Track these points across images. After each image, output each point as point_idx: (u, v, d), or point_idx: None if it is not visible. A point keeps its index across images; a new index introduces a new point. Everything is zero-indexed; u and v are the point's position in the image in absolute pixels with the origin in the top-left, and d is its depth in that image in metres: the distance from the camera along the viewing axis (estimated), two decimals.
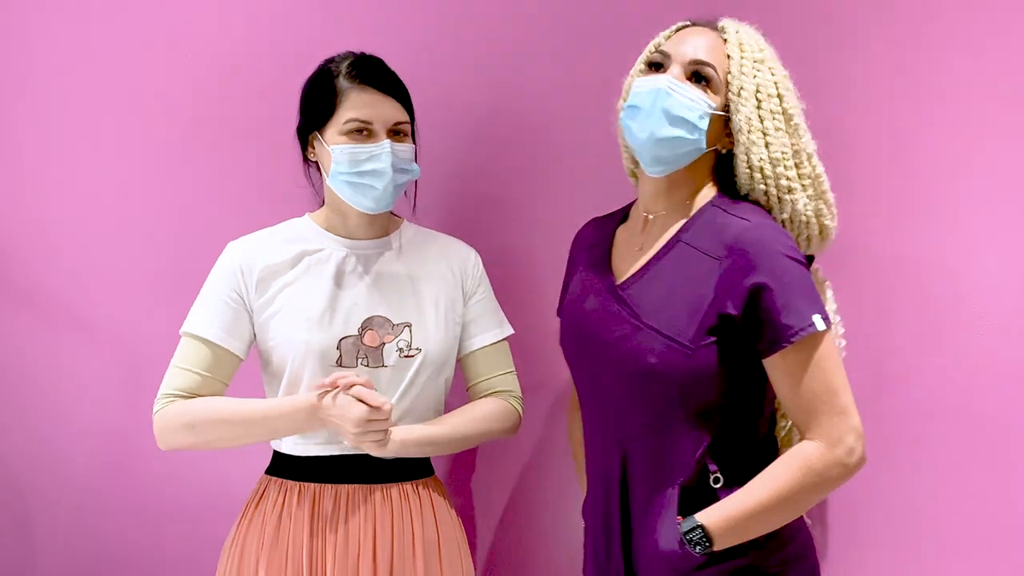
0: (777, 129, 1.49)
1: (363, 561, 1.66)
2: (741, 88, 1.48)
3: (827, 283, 1.65)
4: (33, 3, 2.16)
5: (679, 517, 1.44)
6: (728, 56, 1.50)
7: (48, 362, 2.20)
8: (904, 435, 1.81)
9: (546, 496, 2.03)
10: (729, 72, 1.50)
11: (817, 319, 1.40)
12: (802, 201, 1.51)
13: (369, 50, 1.75)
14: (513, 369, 1.84)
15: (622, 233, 1.64)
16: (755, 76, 1.49)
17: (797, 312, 1.40)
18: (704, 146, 1.50)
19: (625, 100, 1.60)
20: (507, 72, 1.99)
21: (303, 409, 1.64)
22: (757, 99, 1.48)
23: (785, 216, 1.52)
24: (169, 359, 1.72)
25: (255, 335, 1.74)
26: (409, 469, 1.74)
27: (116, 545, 2.19)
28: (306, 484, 1.70)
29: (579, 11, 1.94)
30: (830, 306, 1.61)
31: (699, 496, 1.46)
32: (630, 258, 1.58)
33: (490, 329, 1.82)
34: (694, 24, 1.56)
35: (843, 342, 1.65)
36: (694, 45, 1.51)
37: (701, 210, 1.52)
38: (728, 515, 1.42)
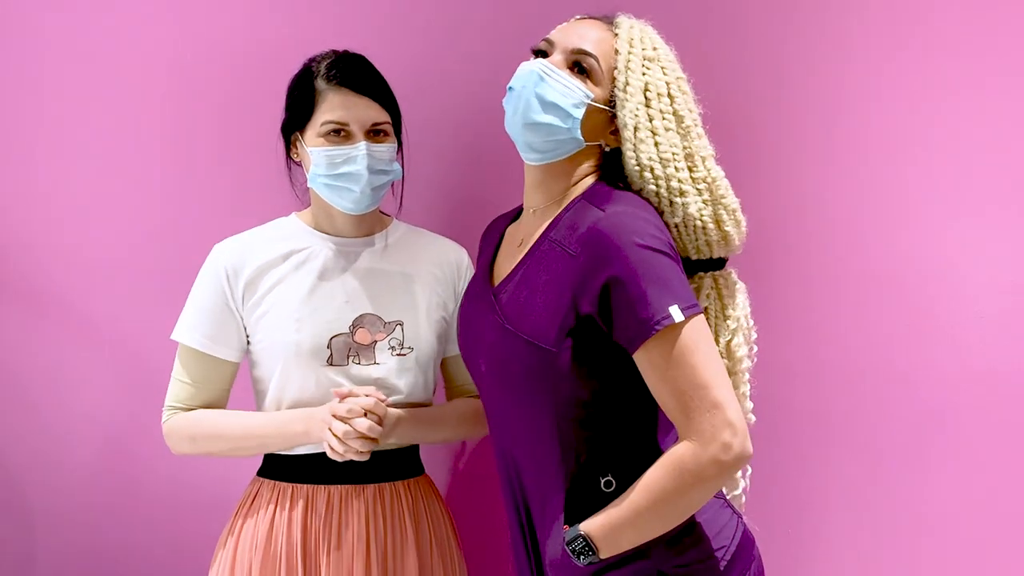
0: (667, 129, 1.43)
1: (356, 561, 1.67)
2: (627, 83, 1.43)
3: (739, 286, 1.54)
4: (32, 4, 2.15)
5: (565, 526, 1.39)
6: (616, 51, 1.46)
7: (48, 361, 2.19)
8: (904, 435, 1.81)
9: None
10: (615, 67, 1.45)
11: (674, 309, 1.31)
12: (695, 205, 1.43)
13: (359, 49, 1.74)
14: None
15: (511, 231, 1.59)
16: (644, 73, 1.44)
17: (652, 304, 1.31)
18: (580, 137, 1.45)
19: None
20: (497, 70, 1.96)
21: (296, 420, 1.65)
22: (646, 97, 1.43)
23: (678, 220, 1.44)
24: (168, 359, 1.74)
25: (247, 337, 1.74)
26: (400, 468, 1.74)
27: (116, 545, 2.19)
28: (299, 485, 1.70)
29: (571, 14, 1.92)
30: (741, 310, 1.51)
31: (591, 503, 1.40)
32: (511, 257, 1.53)
33: None
34: (589, 17, 1.52)
35: (754, 347, 1.55)
36: (579, 35, 1.47)
37: (571, 203, 1.46)
38: (609, 523, 1.35)
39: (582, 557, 1.36)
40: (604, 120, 1.47)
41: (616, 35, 1.47)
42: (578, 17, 1.54)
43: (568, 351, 1.37)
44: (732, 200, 1.47)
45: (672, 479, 1.32)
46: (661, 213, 1.44)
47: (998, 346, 1.76)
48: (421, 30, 2.02)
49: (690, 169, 1.44)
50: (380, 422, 1.60)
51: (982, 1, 1.73)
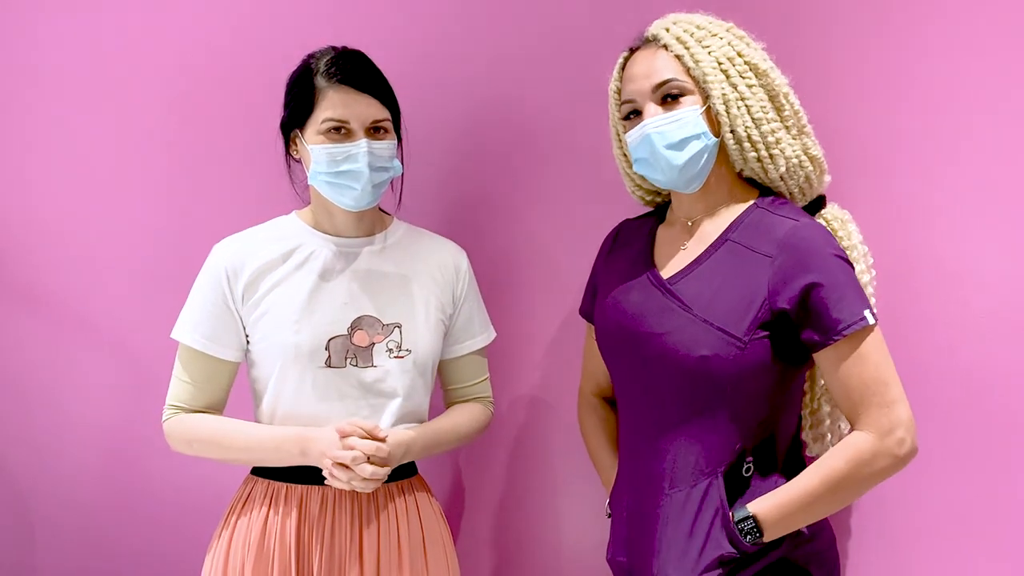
0: (750, 86, 1.52)
1: (350, 561, 1.66)
2: (704, 73, 1.51)
3: (846, 216, 1.65)
4: (30, 3, 2.15)
5: (729, 509, 1.46)
6: (677, 57, 1.53)
7: (47, 361, 2.20)
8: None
9: (529, 496, 2.02)
10: (688, 69, 1.52)
11: (867, 314, 1.45)
12: (789, 147, 1.55)
13: (358, 45, 1.73)
14: (488, 374, 1.87)
15: (663, 233, 1.66)
16: (709, 53, 1.52)
17: (848, 308, 1.44)
18: (714, 138, 1.53)
19: (620, 145, 1.67)
20: (497, 70, 1.98)
21: (292, 442, 1.64)
22: (722, 71, 1.52)
23: (782, 169, 1.55)
24: (169, 359, 1.74)
25: (247, 337, 1.72)
26: (395, 470, 1.72)
27: (116, 544, 2.20)
28: (292, 485, 1.69)
29: (569, 12, 1.93)
30: (856, 238, 1.63)
31: (733, 485, 1.49)
32: (674, 257, 1.60)
33: (476, 335, 1.83)
34: (632, 51, 1.60)
35: (873, 272, 1.66)
36: (644, 74, 1.54)
37: (747, 211, 1.56)
38: (780, 504, 1.45)
39: (748, 537, 1.44)
40: (713, 115, 1.54)
41: (666, 47, 1.54)
42: (626, 55, 1.60)
43: (758, 344, 1.47)
44: (809, 125, 1.58)
45: (849, 467, 1.43)
46: (765, 173, 1.56)
47: (999, 346, 1.73)
48: (420, 26, 2.01)
49: (778, 110, 1.54)
50: (383, 463, 1.61)
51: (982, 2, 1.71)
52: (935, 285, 1.76)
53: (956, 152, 1.73)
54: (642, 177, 1.68)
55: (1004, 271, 1.72)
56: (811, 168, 1.58)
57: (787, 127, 1.54)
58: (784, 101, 1.54)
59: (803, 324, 1.46)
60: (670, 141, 1.52)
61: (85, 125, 2.14)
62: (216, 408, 1.74)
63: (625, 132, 1.60)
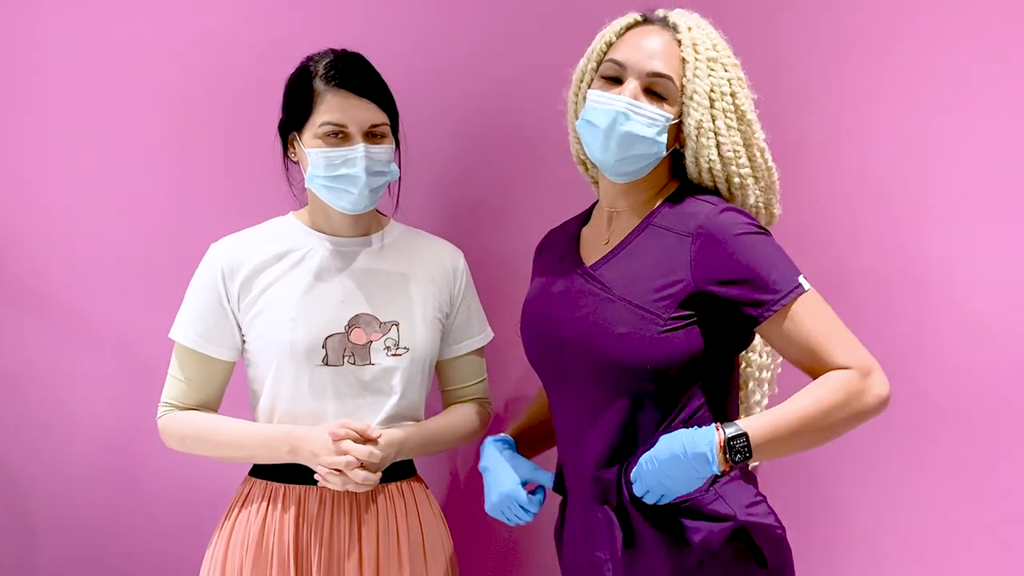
0: (729, 128, 1.49)
1: (349, 562, 1.66)
2: (695, 92, 1.47)
3: None
4: (30, 3, 2.15)
5: (718, 425, 1.39)
6: (683, 59, 1.49)
7: (47, 361, 2.20)
8: (903, 435, 1.80)
9: None
10: (684, 76, 1.48)
11: (801, 279, 1.43)
12: (753, 196, 1.53)
13: (357, 48, 1.74)
14: (486, 375, 1.86)
15: (588, 231, 1.63)
16: (709, 77, 1.48)
17: (780, 277, 1.43)
18: (663, 152, 1.51)
19: (576, 103, 1.59)
20: (495, 72, 1.99)
21: (282, 440, 1.65)
22: (710, 99, 1.48)
23: (737, 204, 1.54)
24: (166, 358, 1.75)
25: (242, 336, 1.72)
26: (393, 470, 1.72)
27: (115, 544, 2.19)
28: (291, 485, 1.69)
29: (566, 13, 1.94)
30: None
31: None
32: (598, 250, 1.57)
33: (473, 336, 1.83)
34: (647, 21, 1.54)
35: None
36: (649, 53, 1.49)
37: (670, 197, 1.53)
38: (775, 424, 1.38)
39: (738, 456, 1.37)
40: (676, 127, 1.51)
41: (679, 40, 1.49)
42: (634, 21, 1.54)
43: (676, 322, 1.44)
44: (777, 183, 1.57)
45: (841, 396, 1.39)
46: (720, 192, 1.53)
47: (999, 346, 1.73)
48: (419, 28, 2.01)
49: (750, 159, 1.51)
50: (375, 468, 1.62)
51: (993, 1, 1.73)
52: (934, 285, 1.76)
53: (957, 152, 1.74)
54: None
55: (1004, 271, 1.73)
56: (765, 220, 1.56)
57: (756, 178, 1.52)
58: (757, 154, 1.52)
59: (740, 302, 1.43)
60: (631, 131, 1.47)
61: (85, 125, 2.14)
62: (210, 406, 1.75)
63: (591, 86, 1.53)
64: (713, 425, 1.40)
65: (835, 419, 1.39)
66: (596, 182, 1.67)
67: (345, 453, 1.59)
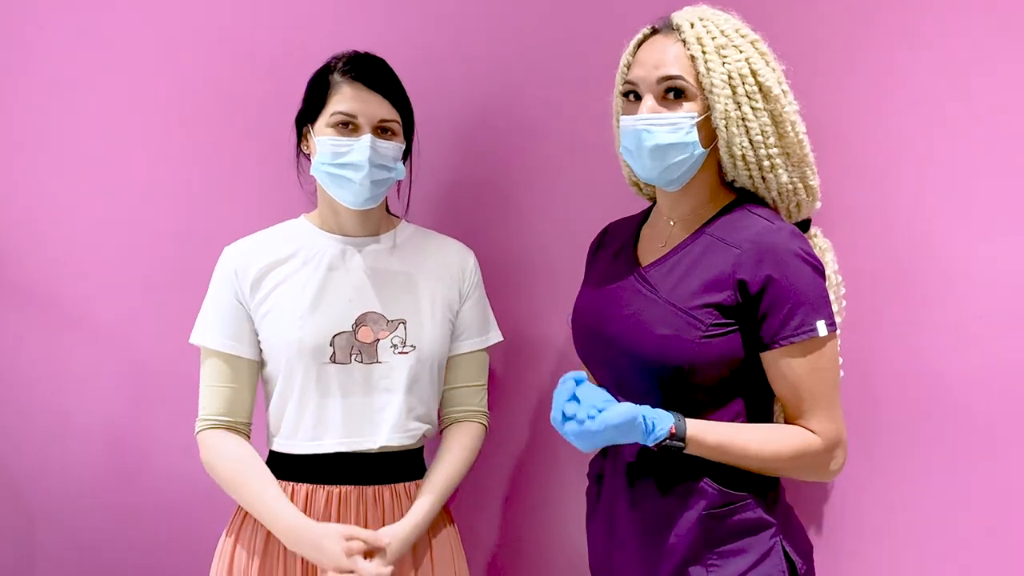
0: (755, 110, 1.49)
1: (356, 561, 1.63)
2: (712, 84, 1.47)
3: (827, 244, 1.66)
4: (37, 4, 2.17)
5: (674, 427, 1.43)
6: (692, 57, 1.49)
7: (47, 361, 2.21)
8: (902, 435, 1.79)
9: (538, 496, 2.01)
10: (699, 72, 1.48)
11: (820, 324, 1.44)
12: (784, 175, 1.53)
13: (368, 48, 1.75)
14: (486, 382, 1.84)
15: (647, 231, 1.66)
16: (723, 65, 1.48)
17: (803, 313, 1.44)
18: (702, 148, 1.51)
19: (617, 130, 1.61)
20: (505, 71, 1.99)
21: (291, 529, 1.63)
22: (731, 87, 1.48)
23: (774, 194, 1.55)
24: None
25: (257, 335, 1.73)
26: (402, 470, 1.72)
27: (116, 545, 2.19)
28: (299, 484, 1.69)
29: (575, 12, 1.95)
30: (831, 268, 1.62)
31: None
32: (653, 252, 1.60)
33: (476, 335, 1.82)
34: (654, 32, 1.55)
35: (843, 303, 1.66)
36: (655, 63, 1.50)
37: (726, 207, 1.55)
38: (715, 436, 1.44)
39: (668, 442, 1.41)
40: (709, 122, 1.51)
41: (684, 41, 1.50)
42: (647, 33, 1.56)
43: (717, 329, 1.46)
44: (811, 154, 1.57)
45: (792, 452, 1.45)
46: (756, 191, 1.55)
47: (999, 346, 1.73)
48: (431, 27, 2.02)
49: (781, 136, 1.51)
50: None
51: (981, 2, 1.73)
52: (934, 286, 1.75)
53: (955, 152, 1.73)
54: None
55: (1003, 271, 1.72)
56: (804, 196, 1.58)
57: (787, 154, 1.52)
58: (789, 128, 1.51)
59: (757, 319, 1.46)
60: (657, 143, 1.49)
61: (84, 123, 2.16)
62: (242, 418, 1.72)
63: (622, 111, 1.57)
64: (672, 420, 1.43)
65: (775, 468, 1.48)
66: (653, 199, 1.70)
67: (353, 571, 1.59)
